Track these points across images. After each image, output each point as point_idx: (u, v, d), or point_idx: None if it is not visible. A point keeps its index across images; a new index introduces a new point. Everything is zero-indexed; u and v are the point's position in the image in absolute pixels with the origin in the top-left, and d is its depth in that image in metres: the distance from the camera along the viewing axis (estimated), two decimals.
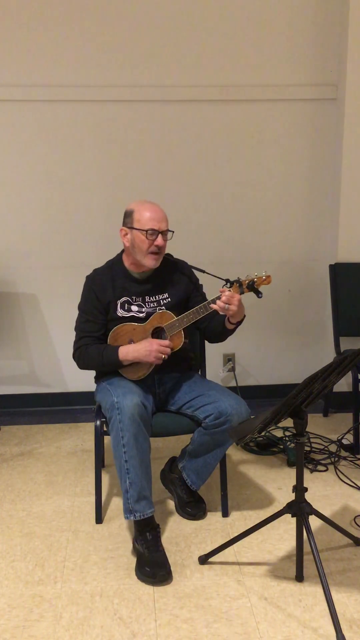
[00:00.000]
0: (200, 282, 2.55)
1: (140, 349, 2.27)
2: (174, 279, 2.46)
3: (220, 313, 2.27)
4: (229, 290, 2.23)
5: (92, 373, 2.52)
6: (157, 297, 2.41)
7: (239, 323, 2.34)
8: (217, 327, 2.40)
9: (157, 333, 2.36)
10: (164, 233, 2.31)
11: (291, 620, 1.90)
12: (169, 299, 2.42)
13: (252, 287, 2.25)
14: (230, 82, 3.30)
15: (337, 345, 3.27)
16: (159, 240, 2.29)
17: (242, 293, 2.24)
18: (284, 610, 1.94)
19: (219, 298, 2.22)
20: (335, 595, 1.98)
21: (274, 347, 3.65)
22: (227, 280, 2.28)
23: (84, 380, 3.41)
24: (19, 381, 3.56)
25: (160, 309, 2.38)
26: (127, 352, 2.29)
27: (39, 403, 3.59)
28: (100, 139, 3.31)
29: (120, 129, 3.30)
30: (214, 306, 2.23)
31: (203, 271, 2.43)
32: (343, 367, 1.94)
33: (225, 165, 3.39)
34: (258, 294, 2.24)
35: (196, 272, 2.50)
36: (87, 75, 3.24)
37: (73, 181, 3.35)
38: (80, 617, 1.93)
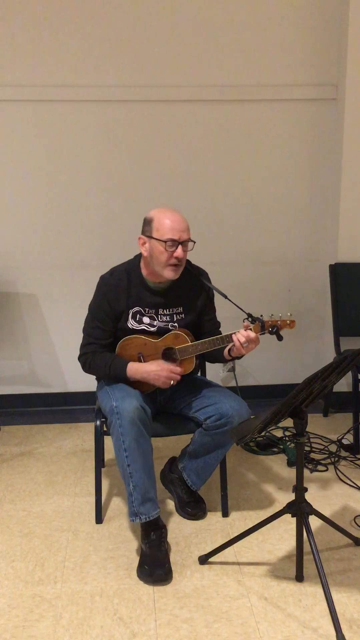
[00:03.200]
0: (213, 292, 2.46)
1: (149, 371, 2.22)
2: (191, 294, 2.36)
3: (233, 346, 2.20)
4: (250, 330, 2.15)
5: None
6: (171, 310, 2.33)
7: (238, 357, 2.29)
8: (215, 353, 2.33)
9: (168, 353, 2.30)
10: (184, 244, 2.19)
11: (291, 620, 1.90)
12: (183, 316, 2.34)
13: (275, 331, 2.17)
14: (230, 82, 3.30)
15: (337, 345, 3.27)
16: (179, 251, 2.17)
17: (262, 334, 2.17)
18: (284, 610, 1.94)
19: (235, 332, 2.16)
20: (335, 595, 1.98)
21: (274, 347, 3.63)
22: (249, 315, 2.19)
23: (84, 380, 3.40)
24: (19, 381, 3.56)
25: (173, 325, 2.32)
26: (136, 371, 2.24)
27: (39, 403, 3.59)
28: (100, 139, 3.31)
29: (120, 129, 3.30)
30: (233, 339, 2.16)
31: (225, 297, 2.31)
32: (343, 367, 1.94)
33: (225, 165, 3.39)
34: (279, 338, 2.16)
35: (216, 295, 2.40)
36: (87, 75, 3.24)
37: (73, 181, 3.35)
38: (80, 617, 1.93)
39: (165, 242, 2.16)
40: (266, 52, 3.28)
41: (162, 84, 3.27)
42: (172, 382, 2.24)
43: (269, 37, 3.26)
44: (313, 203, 3.49)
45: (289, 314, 2.24)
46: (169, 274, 2.21)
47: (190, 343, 2.28)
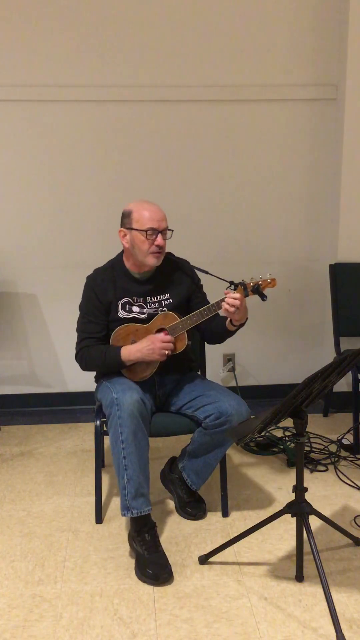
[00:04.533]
0: (201, 283, 2.54)
1: (142, 348, 2.26)
2: (175, 279, 2.45)
3: (224, 315, 2.25)
4: (233, 293, 2.21)
5: (92, 373, 2.52)
6: (158, 297, 2.39)
7: (241, 325, 2.32)
8: (218, 328, 2.38)
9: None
10: (163, 232, 2.29)
11: (291, 620, 1.90)
12: (171, 300, 2.40)
13: (257, 290, 2.22)
14: (230, 82, 3.30)
15: (337, 345, 3.27)
16: (159, 239, 2.27)
17: (246, 296, 2.21)
18: (284, 610, 1.94)
19: (223, 300, 2.20)
20: (335, 595, 1.98)
21: (274, 347, 3.65)
22: (231, 282, 2.25)
23: (84, 380, 3.41)
24: (19, 381, 3.56)
25: (162, 310, 2.37)
26: (130, 352, 2.28)
27: (39, 403, 3.59)
28: (100, 139, 3.31)
29: (120, 129, 3.30)
30: (223, 305, 2.20)
31: (206, 272, 2.40)
32: (343, 367, 1.94)
33: (225, 165, 3.39)
34: (263, 297, 2.21)
35: (198, 273, 2.49)
36: (87, 75, 3.24)
37: (73, 181, 3.35)
38: (80, 617, 1.93)
39: (145, 231, 2.26)
40: (266, 52, 3.28)
41: (162, 84, 3.27)
42: (167, 352, 2.27)
43: (269, 37, 3.26)
44: (313, 203, 3.49)
45: (268, 273, 2.29)
46: (152, 261, 2.30)
47: (179, 320, 2.32)
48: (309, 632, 1.85)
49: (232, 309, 2.18)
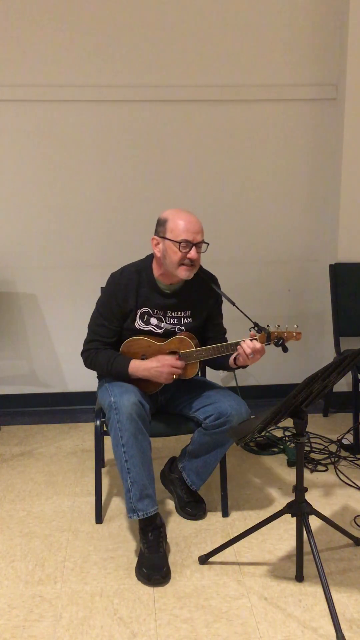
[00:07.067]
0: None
1: (151, 368, 2.22)
2: (200, 298, 2.34)
3: (238, 357, 2.21)
4: (256, 339, 2.15)
5: (93, 373, 2.52)
6: (179, 313, 2.32)
7: (244, 367, 2.29)
8: (220, 360, 2.34)
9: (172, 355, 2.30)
10: (197, 245, 2.18)
11: (291, 620, 1.90)
12: (191, 320, 2.34)
13: (281, 344, 2.16)
14: (230, 82, 3.30)
15: (337, 345, 3.27)
16: (192, 253, 2.15)
17: (267, 344, 2.16)
18: (284, 610, 1.94)
19: (243, 341, 2.16)
20: (335, 595, 1.98)
21: (274, 347, 3.64)
22: (255, 324, 2.19)
23: (84, 380, 3.42)
24: (19, 381, 3.56)
25: (180, 328, 2.31)
26: (138, 368, 2.23)
27: (39, 403, 3.59)
28: (100, 139, 3.31)
29: (120, 129, 3.30)
30: (238, 349, 2.16)
31: (233, 304, 2.29)
32: (343, 367, 1.94)
33: (225, 165, 3.40)
34: (285, 349, 2.16)
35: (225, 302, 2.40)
36: (87, 75, 3.24)
37: (73, 181, 3.35)
38: (80, 617, 1.93)
39: (179, 243, 2.15)
40: (266, 52, 3.28)
41: (162, 84, 3.27)
42: (174, 377, 2.24)
43: (269, 37, 3.26)
44: (313, 203, 3.49)
45: (295, 325, 2.23)
46: (183, 274, 2.19)
47: (194, 349, 2.27)
48: (309, 632, 1.85)
49: (250, 355, 2.14)
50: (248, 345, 2.14)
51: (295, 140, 3.40)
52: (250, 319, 2.26)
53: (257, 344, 2.14)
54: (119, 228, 3.40)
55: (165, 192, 3.37)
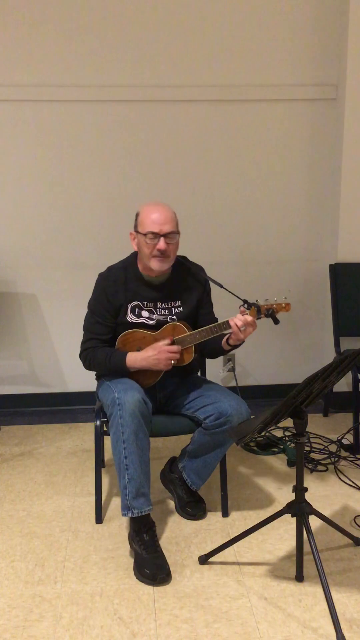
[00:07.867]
0: (211, 293, 2.49)
1: (148, 357, 2.24)
2: (188, 287, 2.39)
3: (231, 334, 2.22)
4: (247, 314, 2.17)
5: (92, 373, 2.52)
6: (169, 304, 2.35)
7: (237, 346, 2.29)
8: (214, 344, 2.35)
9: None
10: (167, 236, 2.23)
11: (291, 620, 1.90)
12: (182, 309, 2.36)
13: (271, 314, 2.18)
14: (230, 82, 3.30)
15: (337, 345, 3.27)
16: (161, 244, 2.20)
17: (258, 318, 2.18)
18: (284, 610, 1.94)
19: (232, 318, 2.17)
20: (335, 595, 1.98)
21: (274, 347, 3.65)
22: (245, 301, 2.21)
23: (84, 380, 3.42)
24: (19, 381, 3.56)
25: (172, 318, 2.34)
26: (135, 359, 2.26)
27: (39, 403, 3.59)
28: (100, 139, 3.31)
29: (120, 129, 3.30)
30: (231, 325, 2.17)
31: (221, 286, 2.34)
32: (343, 367, 1.94)
33: (225, 165, 3.40)
34: (276, 321, 2.18)
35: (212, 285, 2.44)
36: (87, 75, 3.24)
37: (73, 181, 3.35)
38: (80, 617, 1.93)
39: (145, 235, 2.22)
40: (266, 52, 3.28)
41: (162, 84, 3.27)
42: (172, 362, 2.25)
43: (269, 37, 3.26)
44: (313, 203, 3.49)
45: (284, 297, 2.25)
46: (155, 265, 2.25)
47: (188, 333, 2.29)
48: (309, 632, 1.85)
49: (242, 328, 2.15)
50: (239, 319, 2.16)
51: (295, 140, 3.40)
52: (239, 297, 2.29)
53: (249, 317, 2.16)
54: (119, 228, 3.40)
55: (165, 192, 3.37)
